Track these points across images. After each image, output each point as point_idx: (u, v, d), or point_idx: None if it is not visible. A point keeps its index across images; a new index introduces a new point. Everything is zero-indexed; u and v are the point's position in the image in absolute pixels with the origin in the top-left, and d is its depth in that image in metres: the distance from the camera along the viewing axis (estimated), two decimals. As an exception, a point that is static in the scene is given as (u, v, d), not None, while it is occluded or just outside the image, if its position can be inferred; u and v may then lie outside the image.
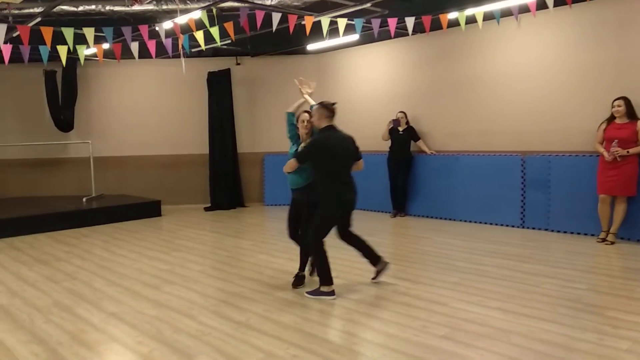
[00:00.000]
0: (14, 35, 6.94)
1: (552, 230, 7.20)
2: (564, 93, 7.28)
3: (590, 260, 5.72)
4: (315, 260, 4.78)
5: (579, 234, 6.95)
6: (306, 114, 4.86)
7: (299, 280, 4.98)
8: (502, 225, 7.77)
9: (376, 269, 5.03)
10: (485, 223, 7.95)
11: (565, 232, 7.09)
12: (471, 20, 6.95)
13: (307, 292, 4.69)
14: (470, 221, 8.16)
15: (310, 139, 4.74)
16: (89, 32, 6.10)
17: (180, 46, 7.26)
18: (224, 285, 5.09)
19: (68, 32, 5.92)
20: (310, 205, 4.74)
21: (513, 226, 7.64)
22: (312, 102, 4.90)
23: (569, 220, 7.07)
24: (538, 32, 7.50)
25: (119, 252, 6.71)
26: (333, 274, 4.68)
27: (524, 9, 6.77)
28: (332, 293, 4.58)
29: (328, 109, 4.71)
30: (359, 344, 3.59)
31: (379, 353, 3.42)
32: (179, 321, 4.10)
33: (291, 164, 4.60)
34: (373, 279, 5.05)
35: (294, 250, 5.25)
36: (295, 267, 5.16)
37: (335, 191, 4.63)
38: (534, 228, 7.42)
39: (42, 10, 6.78)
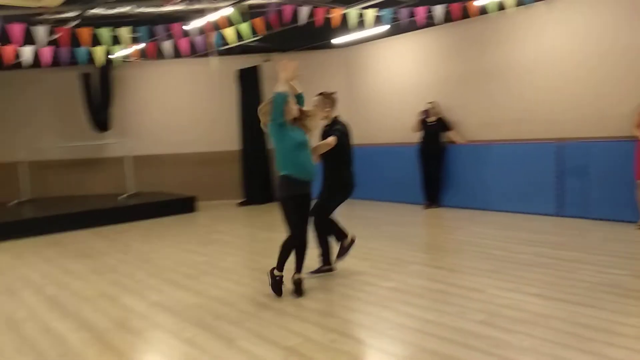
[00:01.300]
0: (52, 38, 7.20)
1: (589, 218, 7.06)
2: (598, 77, 7.12)
3: (630, 246, 5.60)
4: (329, 229, 4.93)
5: (616, 221, 6.79)
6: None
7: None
8: (537, 214, 7.65)
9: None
10: (520, 212, 7.84)
11: (602, 219, 6.93)
12: (500, 6, 6.85)
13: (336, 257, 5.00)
14: (504, 211, 8.05)
15: (339, 125, 4.85)
16: (124, 33, 6.27)
17: (210, 44, 7.39)
18: (260, 275, 5.18)
19: (104, 33, 6.10)
20: (306, 196, 4.49)
21: (549, 215, 7.51)
22: (298, 90, 4.58)
23: (606, 207, 6.92)
24: (570, 15, 7.35)
25: (157, 246, 6.90)
26: (365, 263, 4.73)
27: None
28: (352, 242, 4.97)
29: (332, 98, 4.84)
30: (395, 329, 3.62)
31: (416, 337, 3.45)
32: (218, 308, 4.21)
33: (330, 142, 4.65)
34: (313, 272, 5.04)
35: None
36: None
37: (351, 177, 4.91)
38: (570, 216, 7.29)
39: (79, 13, 7.01)
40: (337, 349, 3.33)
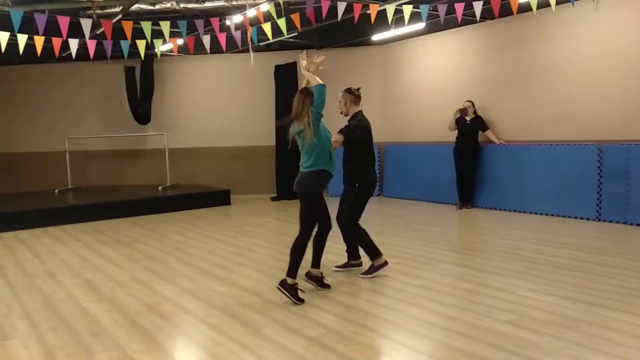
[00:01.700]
0: (98, 32, 7.47)
1: (631, 224, 6.81)
2: (645, 78, 6.86)
3: (673, 254, 5.38)
4: (358, 241, 4.87)
5: (661, 227, 6.54)
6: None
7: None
8: (575, 218, 7.43)
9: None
10: (558, 216, 7.64)
11: (645, 225, 6.69)
12: (542, 4, 6.69)
13: (362, 274, 4.80)
14: (541, 214, 7.86)
15: (354, 121, 4.80)
16: (165, 26, 6.44)
17: (249, 39, 7.51)
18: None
19: (146, 26, 6.29)
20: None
21: (588, 219, 7.29)
22: (318, 81, 4.31)
23: (650, 213, 6.67)
24: (616, 13, 7.10)
25: (191, 236, 7.06)
26: (394, 260, 4.70)
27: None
28: (385, 264, 4.72)
29: (355, 94, 4.80)
30: (420, 325, 3.60)
31: (441, 334, 3.43)
32: (246, 298, 4.29)
33: (337, 140, 4.60)
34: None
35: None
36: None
37: (371, 174, 4.84)
38: (610, 221, 7.05)
39: (122, 7, 7.23)
40: (360, 341, 3.34)
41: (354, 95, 4.86)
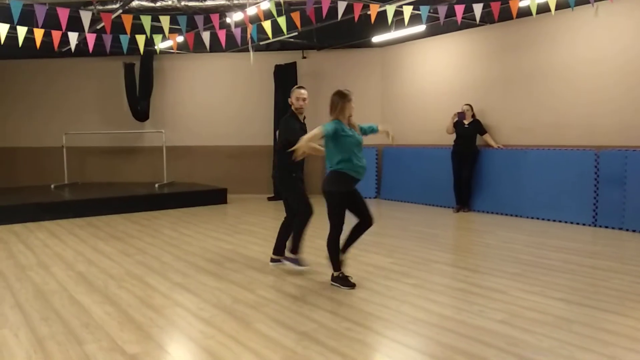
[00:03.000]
0: (98, 27, 7.47)
1: (627, 230, 6.81)
2: (643, 84, 6.87)
3: (668, 259, 5.37)
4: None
5: (656, 234, 6.54)
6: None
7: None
8: (572, 223, 7.43)
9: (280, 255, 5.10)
10: (554, 220, 7.63)
11: (641, 231, 6.69)
12: (542, 9, 6.70)
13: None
14: (537, 218, 7.86)
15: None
16: (165, 21, 6.44)
17: (249, 37, 7.51)
18: (282, 265, 5.23)
19: (146, 20, 6.28)
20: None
21: (584, 224, 7.28)
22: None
23: (646, 219, 6.67)
24: (616, 19, 7.12)
25: (186, 233, 7.04)
26: (388, 260, 4.69)
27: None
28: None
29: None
30: (412, 323, 3.58)
31: (432, 332, 3.41)
32: (238, 293, 4.27)
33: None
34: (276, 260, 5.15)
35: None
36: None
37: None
38: (607, 227, 7.05)
39: (123, 2, 7.23)
40: (351, 337, 3.33)
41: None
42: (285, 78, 10.90)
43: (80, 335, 3.37)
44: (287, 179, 4.96)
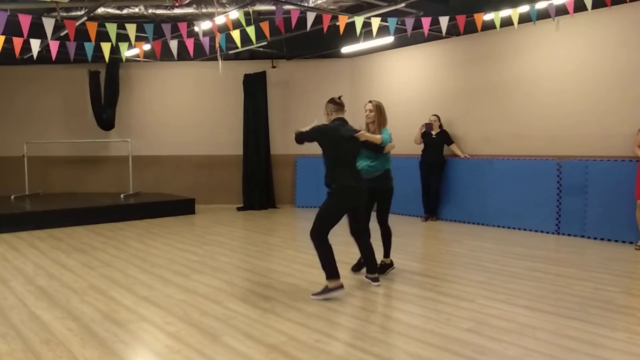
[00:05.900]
0: (62, 34, 7.29)
1: (589, 237, 7.00)
2: (601, 96, 7.11)
3: (627, 266, 5.55)
4: (320, 253, 4.57)
5: (616, 241, 6.74)
6: (369, 104, 5.25)
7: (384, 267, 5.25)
8: (536, 231, 7.60)
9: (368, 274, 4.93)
10: (519, 229, 7.80)
11: (602, 239, 6.88)
12: (506, 22, 6.89)
13: (313, 295, 4.41)
14: (503, 227, 8.02)
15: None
16: (131, 29, 6.34)
17: (217, 45, 7.46)
18: (251, 276, 5.18)
19: (111, 28, 6.17)
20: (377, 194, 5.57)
21: (548, 232, 7.46)
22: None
23: (606, 227, 6.86)
24: (576, 34, 7.37)
25: (152, 244, 6.90)
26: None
27: (562, 10, 6.67)
28: (340, 287, 4.43)
29: (335, 102, 4.78)
30: (381, 332, 3.59)
31: (401, 341, 3.42)
32: (206, 306, 4.20)
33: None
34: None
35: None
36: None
37: (350, 180, 4.72)
38: (569, 234, 7.24)
39: (88, 10, 7.10)
40: (320, 348, 3.31)
41: (334, 103, 4.82)
42: (254, 87, 10.87)
43: (40, 353, 3.25)
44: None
